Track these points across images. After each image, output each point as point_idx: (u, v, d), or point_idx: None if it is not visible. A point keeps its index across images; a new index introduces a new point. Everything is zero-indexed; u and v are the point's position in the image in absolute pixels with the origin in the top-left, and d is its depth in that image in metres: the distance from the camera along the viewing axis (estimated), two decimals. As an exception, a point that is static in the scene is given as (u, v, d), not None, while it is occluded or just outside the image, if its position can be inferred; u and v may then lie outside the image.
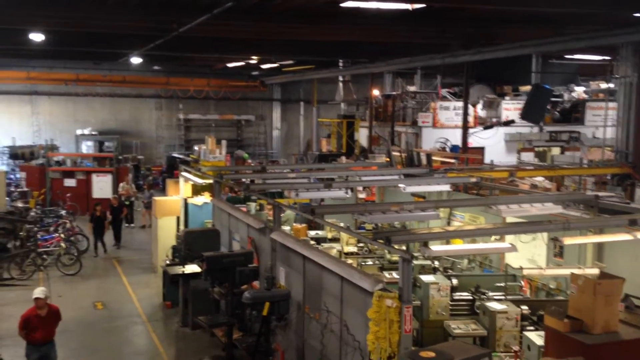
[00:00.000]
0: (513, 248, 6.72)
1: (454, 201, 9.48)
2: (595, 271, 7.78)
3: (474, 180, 11.02)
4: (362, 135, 25.40)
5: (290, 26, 15.65)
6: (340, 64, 24.12)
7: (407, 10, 13.42)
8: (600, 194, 8.96)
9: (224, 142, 23.29)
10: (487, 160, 19.98)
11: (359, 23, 15.02)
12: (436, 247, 6.65)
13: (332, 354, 6.91)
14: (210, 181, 11.92)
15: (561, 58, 22.40)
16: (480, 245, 6.82)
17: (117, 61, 23.73)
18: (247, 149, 30.17)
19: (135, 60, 23.01)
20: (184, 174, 13.30)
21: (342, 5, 12.41)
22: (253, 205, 12.61)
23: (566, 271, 7.92)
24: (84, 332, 10.75)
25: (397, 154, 16.77)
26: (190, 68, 26.99)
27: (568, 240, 6.31)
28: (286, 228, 11.60)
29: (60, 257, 14.27)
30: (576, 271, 7.83)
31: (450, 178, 11.40)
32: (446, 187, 10.84)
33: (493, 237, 8.26)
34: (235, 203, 13.13)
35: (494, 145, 22.15)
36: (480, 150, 21.39)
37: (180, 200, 13.32)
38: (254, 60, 23.05)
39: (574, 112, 24.61)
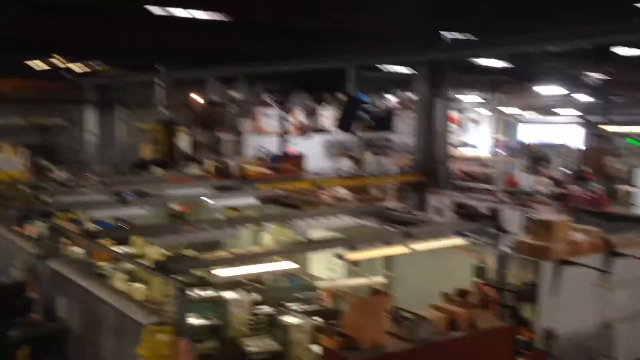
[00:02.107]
0: (297, 268, 6.77)
1: (252, 218, 9.42)
2: (382, 280, 8.22)
3: (280, 192, 11.10)
4: (184, 142, 24.57)
5: (95, 27, 14.55)
6: (159, 68, 23.09)
7: (223, 20, 13.22)
8: (390, 204, 9.50)
9: (22, 150, 20.95)
10: (309, 167, 20.52)
11: (174, 28, 14.48)
12: (220, 270, 6.45)
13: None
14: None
15: (375, 69, 23.85)
16: (262, 267, 6.78)
17: None
18: (59, 155, 27.49)
19: None
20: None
21: (152, 9, 11.80)
22: (42, 224, 11.32)
23: (356, 281, 8.26)
24: None
25: (213, 163, 16.44)
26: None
27: (349, 255, 6.51)
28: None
29: None
30: (364, 281, 8.21)
31: (258, 191, 11.36)
32: (253, 201, 10.74)
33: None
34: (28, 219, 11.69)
35: (314, 152, 22.87)
36: (301, 157, 21.92)
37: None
38: (58, 61, 21.09)
39: (387, 120, 26.48)
